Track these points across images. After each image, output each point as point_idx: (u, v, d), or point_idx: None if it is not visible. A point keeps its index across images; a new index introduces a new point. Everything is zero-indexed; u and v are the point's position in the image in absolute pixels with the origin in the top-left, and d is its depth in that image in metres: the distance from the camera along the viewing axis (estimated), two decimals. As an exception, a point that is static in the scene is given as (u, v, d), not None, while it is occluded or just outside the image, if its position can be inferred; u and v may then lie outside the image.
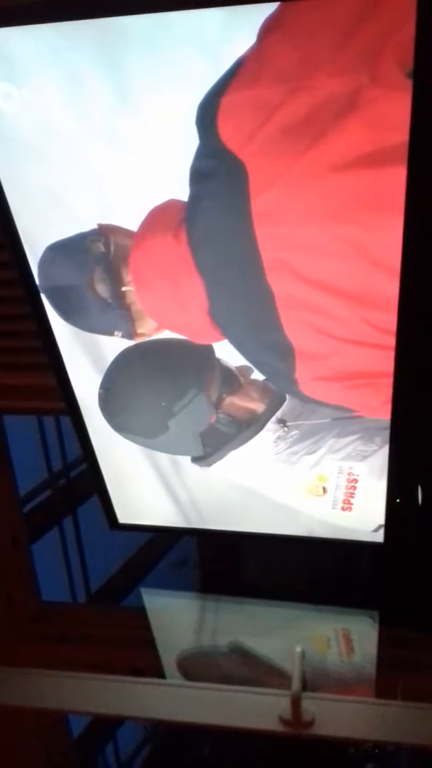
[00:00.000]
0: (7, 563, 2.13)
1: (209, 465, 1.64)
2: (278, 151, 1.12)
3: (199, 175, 1.19)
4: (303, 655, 1.54)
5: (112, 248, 1.31)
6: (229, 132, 1.13)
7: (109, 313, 1.38)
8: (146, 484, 1.76)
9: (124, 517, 1.88)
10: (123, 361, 1.50)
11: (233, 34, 1.06)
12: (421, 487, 1.65)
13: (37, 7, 1.13)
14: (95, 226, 1.31)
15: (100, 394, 1.58)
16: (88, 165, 1.26)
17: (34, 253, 1.40)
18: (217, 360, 1.46)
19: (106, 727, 2.41)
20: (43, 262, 1.39)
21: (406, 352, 1.34)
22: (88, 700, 1.71)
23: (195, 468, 1.68)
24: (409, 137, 1.05)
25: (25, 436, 2.58)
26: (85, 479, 1.89)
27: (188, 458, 1.67)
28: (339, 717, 1.54)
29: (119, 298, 1.35)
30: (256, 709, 1.59)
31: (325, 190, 1.14)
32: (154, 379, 1.51)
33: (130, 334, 1.44)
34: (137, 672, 1.81)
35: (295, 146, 1.11)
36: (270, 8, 1.02)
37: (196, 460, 1.65)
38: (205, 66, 1.09)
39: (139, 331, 1.42)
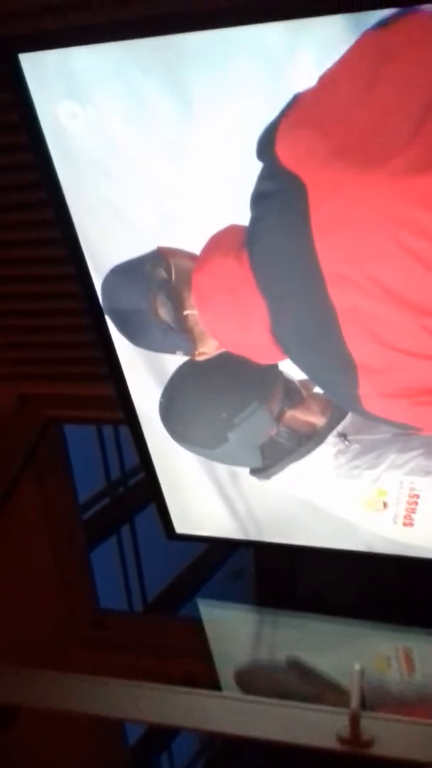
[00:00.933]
0: (66, 570, 2.16)
1: (268, 477, 1.63)
2: (337, 165, 1.12)
3: (259, 197, 1.19)
4: (362, 672, 1.51)
5: (173, 272, 1.33)
6: (287, 152, 1.13)
7: (171, 336, 1.40)
8: (204, 494, 1.77)
9: (181, 527, 1.89)
10: (185, 372, 1.52)
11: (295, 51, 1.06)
12: None
13: (99, 27, 1.16)
14: (155, 248, 1.33)
15: (161, 404, 1.59)
16: (150, 182, 1.28)
17: (97, 270, 1.43)
18: (280, 373, 1.46)
19: (161, 737, 2.42)
20: (106, 286, 1.43)
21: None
22: (142, 708, 1.71)
23: (253, 480, 1.67)
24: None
25: (85, 445, 2.62)
26: (143, 488, 1.91)
27: (247, 470, 1.66)
28: (399, 737, 1.50)
29: (181, 321, 1.37)
30: (313, 726, 1.56)
31: (384, 199, 1.12)
32: (216, 391, 1.51)
33: (191, 354, 1.45)
34: (192, 682, 1.81)
35: (354, 158, 1.11)
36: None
37: (254, 472, 1.64)
38: (267, 84, 1.09)
39: (201, 350, 1.43)
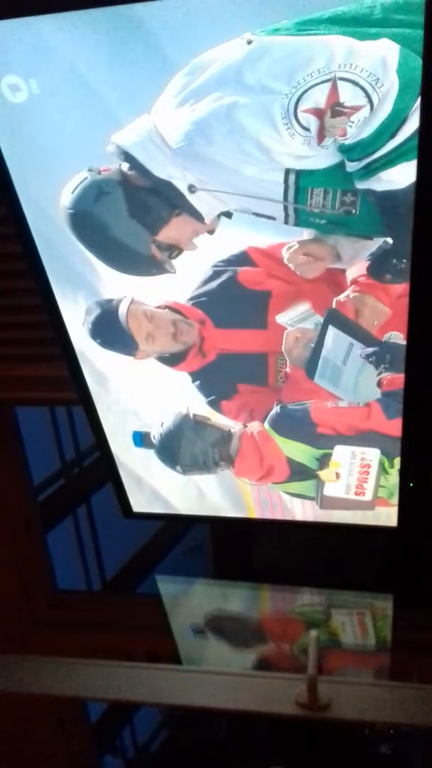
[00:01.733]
0: (23, 552, 2.14)
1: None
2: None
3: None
4: (318, 638, 1.55)
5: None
6: None
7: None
8: (159, 472, 1.77)
9: (138, 505, 1.89)
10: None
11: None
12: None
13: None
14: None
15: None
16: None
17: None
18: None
19: (123, 711, 2.43)
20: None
21: (419, 341, 1.35)
22: (104, 686, 1.72)
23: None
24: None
25: (38, 426, 2.59)
26: (98, 468, 1.90)
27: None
28: (354, 700, 1.55)
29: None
30: (272, 694, 1.59)
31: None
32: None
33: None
34: (153, 658, 1.83)
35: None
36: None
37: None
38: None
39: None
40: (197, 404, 1.64)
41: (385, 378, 1.46)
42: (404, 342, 1.40)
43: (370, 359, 1.45)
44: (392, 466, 1.60)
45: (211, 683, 1.68)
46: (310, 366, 1.50)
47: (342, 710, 1.53)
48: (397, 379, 1.46)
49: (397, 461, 1.58)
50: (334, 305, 1.42)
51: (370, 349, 1.44)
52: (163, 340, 1.52)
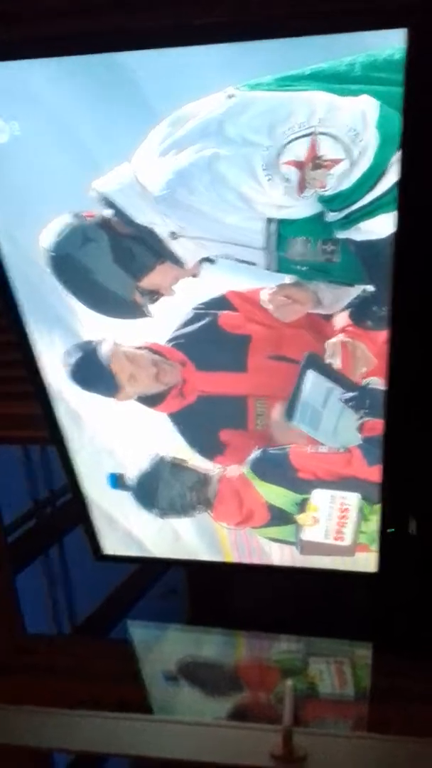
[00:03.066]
0: (-9, 595, 2.09)
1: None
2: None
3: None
4: (294, 688, 1.52)
5: None
6: None
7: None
8: (132, 514, 1.74)
9: (110, 547, 1.85)
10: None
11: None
12: (414, 517, 1.65)
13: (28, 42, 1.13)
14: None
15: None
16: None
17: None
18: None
19: (91, 763, 2.35)
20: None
21: (399, 387, 1.36)
22: (72, 737, 1.67)
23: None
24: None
25: (10, 464, 2.55)
26: (72, 508, 1.87)
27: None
28: (332, 752, 1.52)
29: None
30: (247, 745, 1.55)
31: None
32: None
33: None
34: (123, 706, 1.77)
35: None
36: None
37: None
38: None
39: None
40: (175, 446, 1.62)
41: (366, 423, 1.47)
42: (383, 387, 1.41)
43: (350, 404, 1.45)
44: (372, 512, 1.59)
45: (183, 734, 1.64)
46: (290, 409, 1.50)
47: (319, 763, 1.49)
48: (378, 425, 1.46)
49: (378, 507, 1.58)
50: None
51: (350, 394, 1.45)
52: (146, 381, 1.51)
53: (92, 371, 1.51)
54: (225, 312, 1.41)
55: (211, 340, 1.45)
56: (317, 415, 1.49)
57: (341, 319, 1.37)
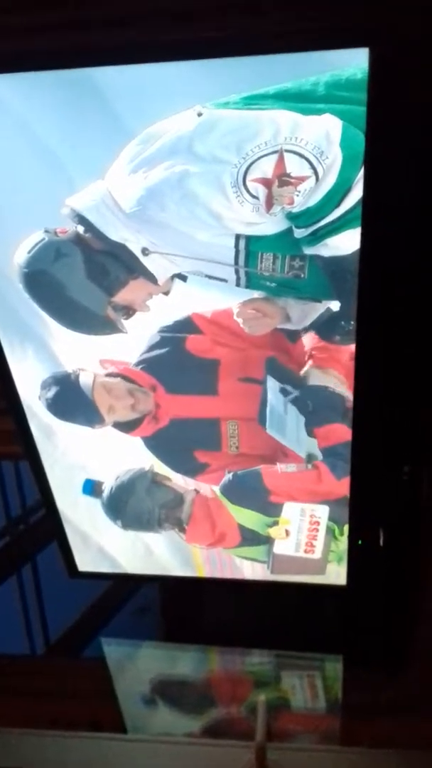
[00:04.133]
0: (-38, 614, 2.06)
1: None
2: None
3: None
4: (267, 704, 1.51)
5: None
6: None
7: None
8: (106, 530, 1.74)
9: (83, 564, 1.84)
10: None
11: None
12: (383, 529, 1.66)
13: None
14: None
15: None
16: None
17: None
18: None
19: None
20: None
21: (365, 395, 1.38)
22: (47, 758, 1.65)
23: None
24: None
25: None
26: (45, 525, 1.86)
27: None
28: (304, 767, 1.52)
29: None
30: (221, 762, 1.55)
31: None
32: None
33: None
34: (98, 725, 1.76)
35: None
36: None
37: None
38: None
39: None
40: (152, 463, 1.63)
41: (316, 429, 1.49)
42: (327, 389, 1.44)
43: (296, 404, 1.47)
44: (342, 533, 1.61)
45: (157, 752, 1.62)
46: (261, 416, 1.51)
47: (292, 778, 1.49)
48: (331, 432, 1.48)
49: (347, 528, 1.60)
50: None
51: (292, 394, 1.47)
52: (123, 411, 1.53)
53: (72, 404, 1.53)
54: (192, 335, 1.43)
55: (180, 364, 1.47)
56: (282, 420, 1.51)
57: (309, 339, 1.40)
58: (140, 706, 1.89)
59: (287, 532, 1.63)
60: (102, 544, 1.80)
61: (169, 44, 1.04)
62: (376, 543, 1.66)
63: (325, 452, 1.51)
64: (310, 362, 1.43)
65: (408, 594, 1.69)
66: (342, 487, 1.54)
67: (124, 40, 1.06)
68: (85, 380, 1.49)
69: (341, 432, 1.48)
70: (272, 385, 1.45)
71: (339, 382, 1.43)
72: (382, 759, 1.49)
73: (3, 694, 1.99)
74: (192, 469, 1.62)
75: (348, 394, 1.42)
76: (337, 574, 1.67)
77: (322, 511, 1.59)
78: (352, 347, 1.36)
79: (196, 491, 1.64)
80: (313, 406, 1.46)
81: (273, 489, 1.58)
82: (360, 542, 1.61)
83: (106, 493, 1.68)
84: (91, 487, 1.69)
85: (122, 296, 1.35)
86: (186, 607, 2.07)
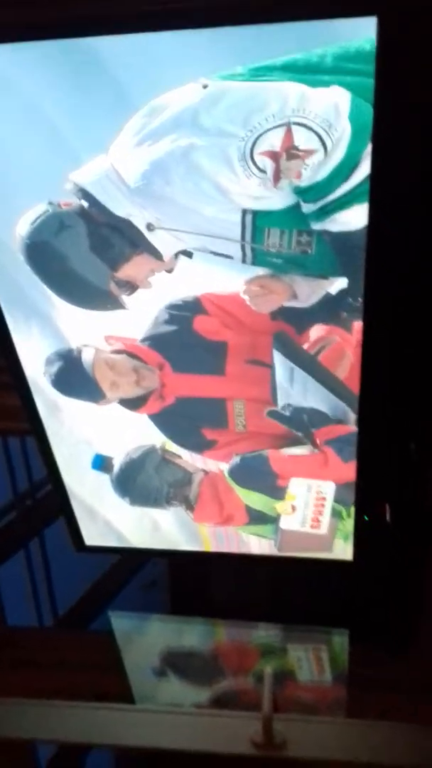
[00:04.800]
0: (-29, 588, 2.08)
1: None
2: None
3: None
4: (273, 676, 1.53)
5: None
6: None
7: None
8: (112, 505, 1.75)
9: (90, 538, 1.86)
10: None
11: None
12: (389, 505, 1.66)
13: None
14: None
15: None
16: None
17: None
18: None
19: (75, 753, 2.36)
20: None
21: (374, 369, 1.37)
22: (54, 727, 1.67)
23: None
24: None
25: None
26: (53, 500, 1.87)
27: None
28: (311, 738, 1.53)
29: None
30: (227, 733, 1.57)
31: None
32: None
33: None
34: (105, 697, 1.78)
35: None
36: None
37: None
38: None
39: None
40: (159, 440, 1.63)
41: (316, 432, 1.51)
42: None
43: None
44: (349, 515, 1.62)
45: (164, 723, 1.64)
46: (272, 394, 1.51)
47: (298, 749, 1.51)
48: (332, 431, 1.51)
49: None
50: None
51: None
52: (127, 387, 1.52)
53: (75, 380, 1.52)
54: (199, 316, 1.42)
55: (187, 344, 1.46)
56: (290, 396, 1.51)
57: (316, 331, 1.39)
58: (148, 678, 1.91)
59: (293, 508, 1.63)
60: (109, 519, 1.81)
61: (172, 12, 1.02)
62: (383, 519, 1.66)
63: (331, 441, 1.52)
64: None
65: (413, 570, 1.70)
66: (349, 470, 1.54)
67: (128, 8, 1.04)
68: (86, 357, 1.48)
69: (342, 430, 1.49)
70: (280, 360, 1.45)
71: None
72: (386, 732, 1.51)
73: (12, 666, 2.02)
74: (200, 445, 1.62)
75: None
76: (343, 551, 1.67)
77: (328, 487, 1.60)
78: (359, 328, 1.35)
79: (205, 472, 1.64)
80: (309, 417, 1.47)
81: (280, 472, 1.58)
82: (366, 518, 1.61)
83: (115, 469, 1.68)
84: (101, 463, 1.69)
85: (125, 271, 1.33)
86: (193, 581, 2.08)
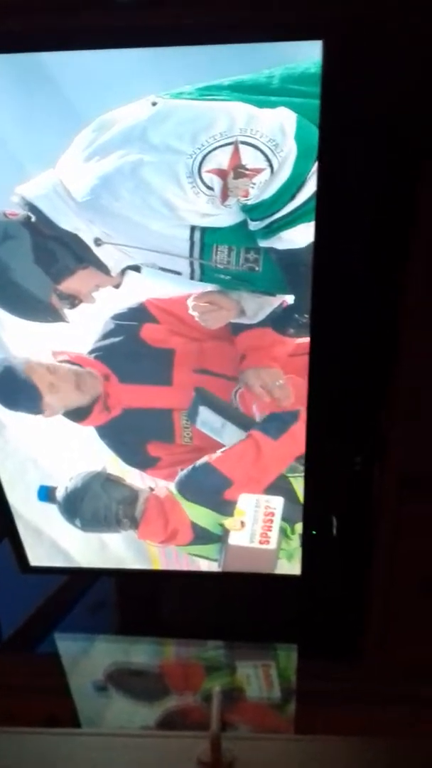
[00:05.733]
0: None
1: None
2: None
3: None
4: (222, 693, 1.52)
5: None
6: None
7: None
8: (58, 523, 1.72)
9: (36, 558, 1.82)
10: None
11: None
12: (336, 518, 1.68)
13: None
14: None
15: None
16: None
17: None
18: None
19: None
20: None
21: (318, 385, 1.40)
22: (0, 754, 1.62)
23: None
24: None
25: None
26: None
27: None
28: (259, 755, 1.53)
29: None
30: (175, 753, 1.55)
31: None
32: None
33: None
34: (51, 721, 1.74)
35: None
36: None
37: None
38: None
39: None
40: (104, 458, 1.62)
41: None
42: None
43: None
44: (293, 533, 1.63)
45: (111, 746, 1.61)
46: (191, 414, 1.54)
47: (247, 767, 1.50)
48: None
49: (299, 527, 1.61)
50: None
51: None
52: (66, 390, 1.50)
53: (13, 384, 1.50)
54: (147, 324, 1.42)
55: (134, 353, 1.46)
56: (218, 432, 1.53)
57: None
58: (94, 700, 1.88)
59: (242, 524, 1.64)
60: (55, 538, 1.78)
61: (121, 31, 1.03)
62: (330, 533, 1.68)
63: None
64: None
65: (362, 582, 1.72)
66: (284, 445, 1.53)
67: (76, 25, 1.04)
68: (19, 360, 1.46)
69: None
70: (206, 414, 1.48)
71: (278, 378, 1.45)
72: (335, 746, 1.52)
73: None
74: (144, 462, 1.61)
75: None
76: (288, 570, 1.68)
77: (277, 502, 1.61)
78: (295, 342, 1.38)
79: (151, 489, 1.63)
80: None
81: (227, 473, 1.57)
82: (314, 532, 1.63)
83: (61, 494, 1.66)
84: (46, 493, 1.67)
85: (68, 285, 1.33)
86: (142, 600, 2.06)
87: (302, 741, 1.57)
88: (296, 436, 1.49)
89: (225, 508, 1.62)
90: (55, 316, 1.37)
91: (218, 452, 1.56)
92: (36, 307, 1.35)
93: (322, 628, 1.81)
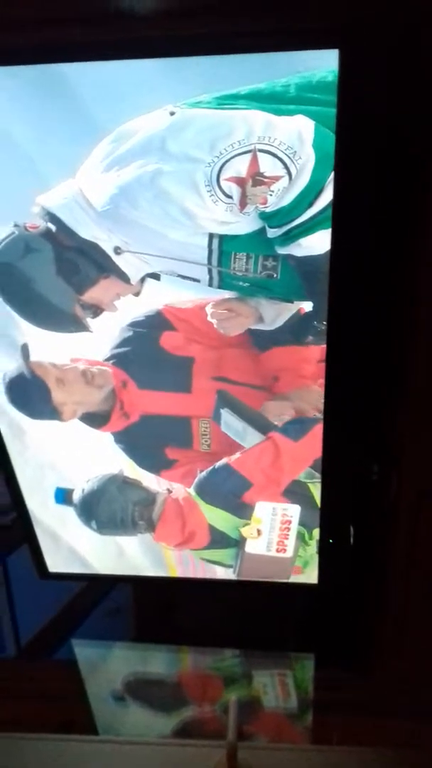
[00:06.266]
0: None
1: None
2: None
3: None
4: (238, 703, 1.52)
5: None
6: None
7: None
8: (77, 531, 1.73)
9: (54, 565, 1.83)
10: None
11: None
12: (353, 527, 1.67)
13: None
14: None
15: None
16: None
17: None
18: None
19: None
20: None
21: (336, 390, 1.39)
22: (17, 760, 1.63)
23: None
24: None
25: None
26: (15, 527, 1.85)
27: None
28: (275, 765, 1.52)
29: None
30: (191, 762, 1.54)
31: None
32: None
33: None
34: (69, 727, 1.74)
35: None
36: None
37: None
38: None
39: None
40: (121, 462, 1.62)
41: None
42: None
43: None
44: (311, 538, 1.62)
45: (127, 753, 1.61)
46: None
47: (263, 777, 1.49)
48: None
49: (316, 532, 1.61)
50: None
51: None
52: (77, 385, 1.50)
53: (23, 384, 1.51)
54: (166, 332, 1.43)
55: (153, 360, 1.46)
56: (240, 435, 1.53)
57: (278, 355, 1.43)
58: (111, 707, 1.88)
59: (259, 532, 1.64)
60: (73, 545, 1.78)
61: (140, 42, 1.04)
62: (347, 541, 1.67)
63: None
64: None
65: (378, 592, 1.71)
66: (304, 447, 1.53)
67: (97, 36, 1.06)
68: (25, 360, 1.48)
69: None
70: (227, 418, 1.48)
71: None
72: (351, 757, 1.50)
73: (-28, 698, 1.96)
74: (160, 465, 1.62)
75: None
76: (305, 578, 1.68)
77: (294, 511, 1.60)
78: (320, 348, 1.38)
79: (169, 491, 1.64)
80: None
81: (245, 474, 1.57)
82: (331, 541, 1.62)
83: (77, 497, 1.66)
84: (63, 495, 1.68)
85: (91, 294, 1.34)
86: (158, 607, 2.06)
87: (318, 751, 1.55)
88: (317, 438, 1.48)
89: (243, 511, 1.62)
90: (79, 326, 1.38)
91: (237, 454, 1.56)
92: (60, 318, 1.36)
93: (339, 637, 1.80)
